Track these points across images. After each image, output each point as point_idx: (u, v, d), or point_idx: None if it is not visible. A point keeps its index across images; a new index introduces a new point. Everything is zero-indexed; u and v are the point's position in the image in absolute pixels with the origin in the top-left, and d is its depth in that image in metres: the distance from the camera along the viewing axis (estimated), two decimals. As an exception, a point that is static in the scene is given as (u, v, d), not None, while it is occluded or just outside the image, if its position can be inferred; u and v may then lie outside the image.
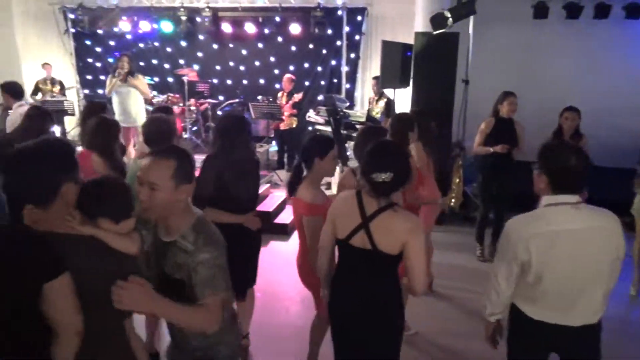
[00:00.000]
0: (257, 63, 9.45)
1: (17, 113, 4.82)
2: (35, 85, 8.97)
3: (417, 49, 6.40)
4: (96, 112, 3.74)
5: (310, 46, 9.15)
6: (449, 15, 5.99)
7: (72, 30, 9.61)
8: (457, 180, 6.22)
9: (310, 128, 9.02)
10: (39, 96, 8.87)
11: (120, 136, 3.74)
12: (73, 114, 8.68)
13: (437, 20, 6.12)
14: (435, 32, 6.21)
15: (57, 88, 9.03)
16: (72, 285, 1.61)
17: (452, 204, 6.21)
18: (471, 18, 6.29)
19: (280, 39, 9.22)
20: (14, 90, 5.32)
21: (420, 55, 6.36)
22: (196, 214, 1.92)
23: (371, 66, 9.07)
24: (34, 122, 3.88)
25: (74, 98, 9.66)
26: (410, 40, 6.85)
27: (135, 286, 1.62)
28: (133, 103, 7.45)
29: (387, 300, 2.28)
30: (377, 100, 7.80)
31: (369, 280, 2.25)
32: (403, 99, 7.29)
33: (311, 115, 8.44)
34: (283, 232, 6.18)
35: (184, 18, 9.10)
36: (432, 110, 5.03)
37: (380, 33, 8.61)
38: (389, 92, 7.40)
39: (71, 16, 9.47)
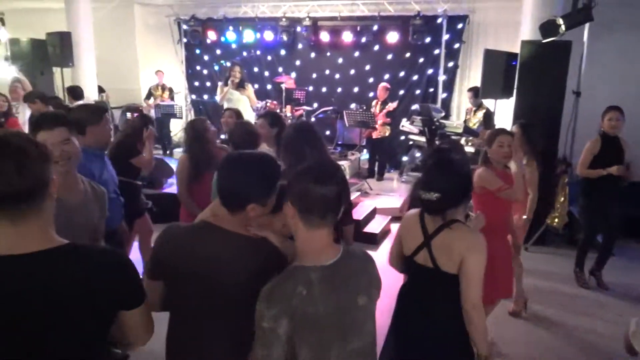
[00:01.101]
0: (352, 71, 9.43)
1: None
2: (148, 90, 9.66)
3: (523, 58, 5.98)
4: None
5: (407, 54, 8.95)
6: (561, 22, 5.51)
7: (184, 40, 10.26)
8: (562, 199, 5.70)
9: (402, 137, 8.84)
10: (151, 100, 9.55)
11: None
12: (180, 117, 9.22)
13: (547, 27, 5.66)
14: (544, 40, 5.76)
15: (167, 93, 9.66)
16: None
17: (555, 223, 5.70)
18: (586, 25, 5.75)
19: (376, 47, 9.12)
20: (75, 93, 5.71)
21: (527, 65, 5.92)
22: None
23: (470, 75, 8.67)
24: (137, 124, 4.13)
25: (182, 102, 10.29)
26: (514, 48, 6.42)
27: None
28: (242, 110, 7.70)
29: (449, 321, 2.13)
30: (475, 111, 7.42)
31: (432, 299, 2.18)
32: (504, 111, 6.87)
33: (405, 124, 8.25)
34: (372, 241, 6.05)
35: (285, 28, 9.36)
36: (536, 123, 4.65)
37: (482, 41, 8.21)
38: (488, 102, 7.01)
39: (184, 27, 10.11)
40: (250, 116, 7.75)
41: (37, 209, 1.26)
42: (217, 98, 7.83)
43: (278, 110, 8.84)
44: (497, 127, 6.92)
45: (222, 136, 8.36)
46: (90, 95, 8.99)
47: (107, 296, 1.30)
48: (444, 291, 2.13)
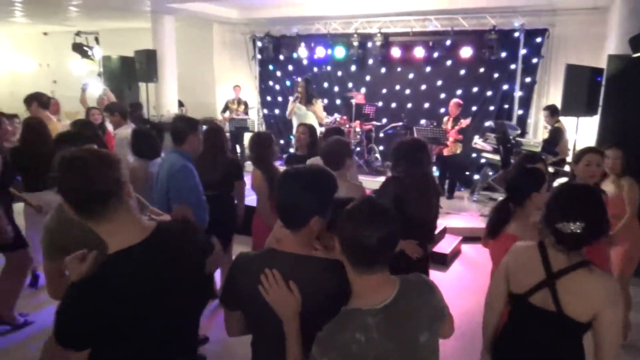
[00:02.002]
0: (423, 87, 9.28)
1: (123, 133, 5.22)
2: (225, 104, 10.04)
3: (609, 74, 5.59)
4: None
5: (481, 70, 8.68)
6: (654, 35, 5.12)
7: (259, 56, 10.59)
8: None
9: (474, 155, 8.55)
10: (227, 114, 9.91)
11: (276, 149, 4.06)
12: (253, 131, 9.48)
13: (638, 41, 5.28)
14: (635, 55, 5.37)
15: (242, 107, 10.00)
16: None
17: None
18: (683, 38, 5.30)
19: (449, 62, 8.93)
20: (122, 111, 5.78)
21: (614, 81, 5.54)
22: None
23: (548, 92, 8.26)
24: (211, 137, 4.21)
25: (255, 117, 10.61)
26: (598, 63, 6.04)
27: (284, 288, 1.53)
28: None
29: None
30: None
31: (548, 347, 1.90)
32: (587, 129, 6.46)
33: (477, 141, 7.97)
34: (442, 261, 5.85)
35: (356, 43, 9.42)
36: (624, 142, 4.31)
37: (562, 56, 7.80)
38: (570, 120, 6.62)
39: (259, 44, 10.44)
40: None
41: (114, 209, 1.42)
42: (287, 113, 7.98)
43: (347, 126, 8.87)
44: (568, 144, 6.56)
45: (291, 149, 8.57)
46: (171, 109, 9.51)
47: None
48: (564, 337, 1.89)
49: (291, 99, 7.93)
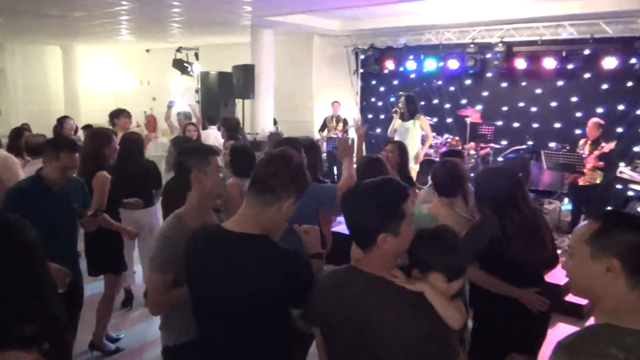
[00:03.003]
0: (553, 103, 8.47)
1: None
2: (323, 121, 9.92)
3: None
4: None
5: (629, 84, 7.71)
6: None
7: (361, 70, 10.39)
8: None
9: (619, 186, 7.57)
10: (325, 132, 9.77)
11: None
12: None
13: None
14: None
15: (340, 125, 9.81)
16: None
17: None
18: None
19: (587, 75, 8.06)
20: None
21: None
22: None
23: None
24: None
25: (354, 136, 10.33)
26: None
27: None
28: (412, 143, 7.52)
29: None
30: None
31: None
32: None
33: (624, 170, 7.07)
34: (576, 314, 5.09)
35: (472, 55, 8.87)
36: None
37: None
38: None
39: (361, 57, 10.25)
40: (412, 151, 7.44)
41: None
42: (388, 131, 7.84)
43: (460, 148, 8.34)
44: None
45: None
46: (266, 127, 9.56)
47: None
48: None
49: (395, 116, 7.74)
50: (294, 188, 1.81)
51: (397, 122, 7.54)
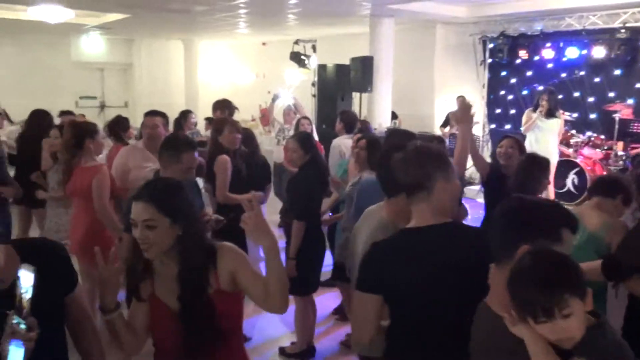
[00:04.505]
0: None
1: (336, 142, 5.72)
2: (446, 117, 9.73)
3: None
4: None
5: None
6: None
7: (489, 60, 10.02)
8: None
9: None
10: (447, 129, 9.56)
11: None
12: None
13: None
14: None
15: (464, 121, 9.52)
16: None
17: None
18: None
19: None
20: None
21: None
22: None
23: None
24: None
25: (479, 132, 10.02)
26: None
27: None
28: (546, 142, 7.16)
29: None
30: None
31: None
32: None
33: None
34: None
35: (624, 41, 8.15)
36: None
37: None
38: None
39: (490, 46, 9.87)
40: (554, 149, 7.30)
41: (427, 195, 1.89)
42: (522, 128, 7.51)
43: (605, 148, 7.77)
44: None
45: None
46: (384, 122, 9.58)
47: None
48: None
49: (527, 111, 7.46)
50: (433, 172, 1.87)
51: (538, 118, 7.22)
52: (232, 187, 4.09)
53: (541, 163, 3.48)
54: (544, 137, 7.23)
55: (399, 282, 1.84)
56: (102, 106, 15.73)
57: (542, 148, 7.09)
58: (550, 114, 7.15)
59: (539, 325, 1.36)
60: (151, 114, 4.32)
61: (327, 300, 4.84)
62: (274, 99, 7.67)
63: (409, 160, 1.92)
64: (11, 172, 4.84)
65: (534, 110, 7.26)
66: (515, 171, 3.54)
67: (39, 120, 5.40)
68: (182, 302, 1.82)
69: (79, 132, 3.82)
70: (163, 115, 4.38)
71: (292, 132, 7.20)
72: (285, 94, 7.81)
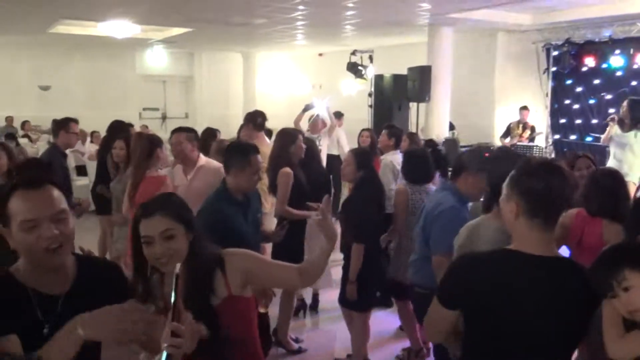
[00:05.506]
0: None
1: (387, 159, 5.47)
2: (507, 127, 9.51)
3: None
4: None
5: None
6: None
7: (553, 68, 9.72)
8: None
9: None
10: (508, 139, 9.33)
11: None
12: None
13: None
14: None
15: (527, 133, 9.28)
16: None
17: None
18: None
19: None
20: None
21: None
22: None
23: None
24: None
25: (542, 143, 9.71)
26: None
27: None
28: (630, 159, 6.79)
29: None
30: None
31: None
32: None
33: None
34: None
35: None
36: None
37: None
38: None
39: (554, 53, 9.58)
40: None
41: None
42: (602, 138, 7.32)
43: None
44: None
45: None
46: (441, 133, 9.45)
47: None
48: None
49: (611, 123, 7.05)
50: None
51: (615, 131, 6.89)
52: (292, 198, 4.15)
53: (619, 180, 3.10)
54: (623, 150, 6.82)
55: (493, 306, 1.71)
56: (164, 117, 16.34)
57: (625, 160, 6.77)
58: (631, 126, 6.70)
59: (613, 300, 1.54)
60: (177, 130, 4.32)
61: (384, 315, 4.90)
62: (305, 109, 7.67)
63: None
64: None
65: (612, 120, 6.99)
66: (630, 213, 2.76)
67: (119, 131, 5.46)
68: (189, 309, 1.73)
69: (150, 142, 3.99)
70: (189, 130, 4.35)
71: (323, 141, 7.24)
72: (319, 104, 7.80)
